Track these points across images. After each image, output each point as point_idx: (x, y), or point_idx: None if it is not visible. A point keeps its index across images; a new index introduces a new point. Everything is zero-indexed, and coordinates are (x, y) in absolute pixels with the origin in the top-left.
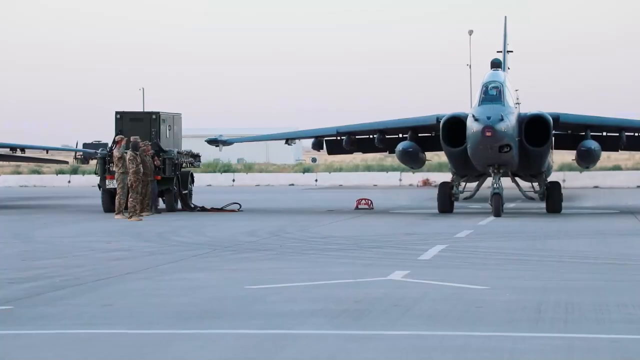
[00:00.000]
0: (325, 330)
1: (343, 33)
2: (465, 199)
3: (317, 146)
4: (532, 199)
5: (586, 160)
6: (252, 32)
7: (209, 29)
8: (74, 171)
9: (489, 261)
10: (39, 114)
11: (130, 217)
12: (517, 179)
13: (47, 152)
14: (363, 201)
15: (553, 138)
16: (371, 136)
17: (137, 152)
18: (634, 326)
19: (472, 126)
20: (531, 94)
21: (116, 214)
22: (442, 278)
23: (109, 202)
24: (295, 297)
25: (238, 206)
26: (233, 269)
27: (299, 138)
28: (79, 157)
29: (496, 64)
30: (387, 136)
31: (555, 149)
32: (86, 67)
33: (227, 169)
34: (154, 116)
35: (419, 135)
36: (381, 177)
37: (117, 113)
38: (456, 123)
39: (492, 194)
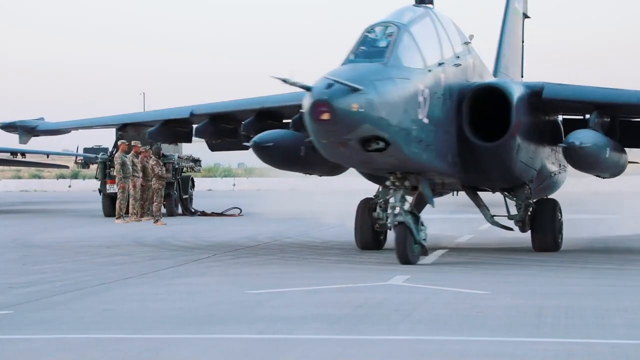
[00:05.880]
0: (325, 335)
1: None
2: None
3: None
4: (509, 228)
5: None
6: (253, 35)
7: (210, 32)
8: (75, 176)
9: (489, 266)
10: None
11: (156, 221)
12: (480, 194)
13: (47, 157)
14: None
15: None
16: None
17: (160, 158)
18: (634, 331)
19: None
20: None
21: (116, 218)
22: (442, 283)
23: (110, 206)
24: (296, 301)
25: (239, 211)
26: (233, 273)
27: (136, 125)
28: (80, 161)
29: None
30: (269, 121)
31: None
32: (86, 70)
33: (227, 173)
34: None
35: None
36: None
37: None
38: None
39: (393, 226)
